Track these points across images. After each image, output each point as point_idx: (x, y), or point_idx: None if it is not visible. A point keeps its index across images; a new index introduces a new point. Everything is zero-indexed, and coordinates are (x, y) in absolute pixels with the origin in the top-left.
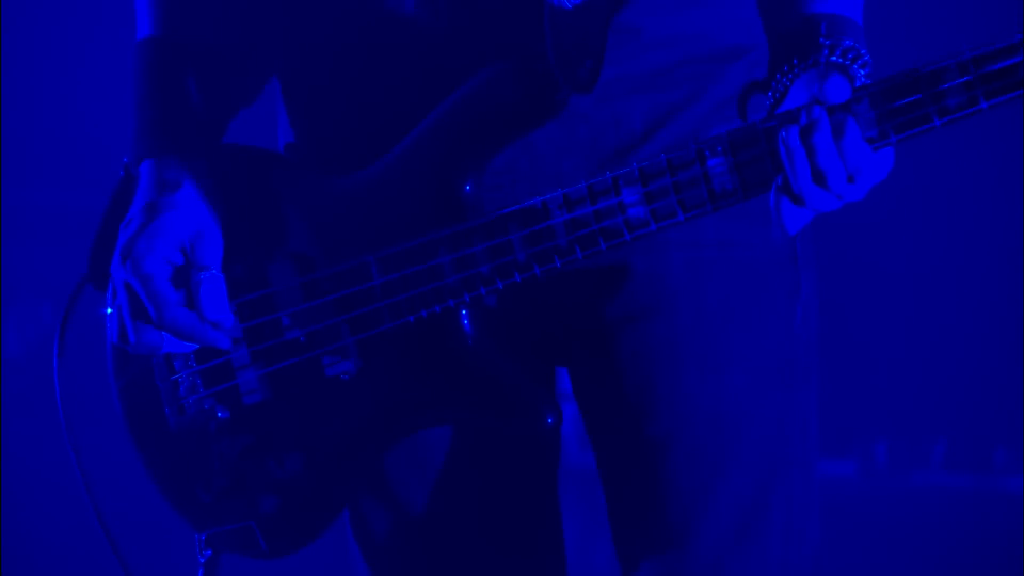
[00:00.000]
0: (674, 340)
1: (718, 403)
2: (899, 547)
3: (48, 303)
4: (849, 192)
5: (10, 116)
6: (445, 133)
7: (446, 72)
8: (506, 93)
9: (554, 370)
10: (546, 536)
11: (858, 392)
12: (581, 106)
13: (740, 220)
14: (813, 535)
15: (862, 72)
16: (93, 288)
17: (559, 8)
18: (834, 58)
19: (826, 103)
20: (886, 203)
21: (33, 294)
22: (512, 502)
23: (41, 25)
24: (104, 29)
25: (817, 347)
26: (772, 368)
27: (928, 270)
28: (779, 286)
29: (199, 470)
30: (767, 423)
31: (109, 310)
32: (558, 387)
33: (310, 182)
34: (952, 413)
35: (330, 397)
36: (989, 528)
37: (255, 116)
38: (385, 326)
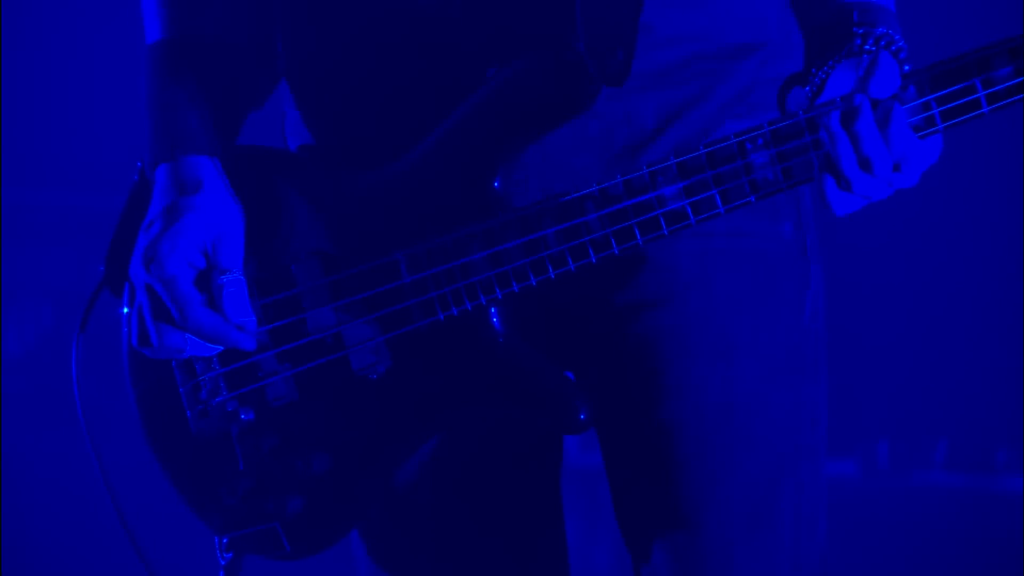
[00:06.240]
0: (684, 328)
1: (727, 391)
2: (900, 547)
3: (48, 304)
4: (897, 179)
5: (11, 116)
6: (475, 127)
7: (464, 64)
8: (537, 85)
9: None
10: (549, 537)
11: (860, 392)
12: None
13: (750, 211)
14: (822, 524)
15: (899, 58)
16: (110, 293)
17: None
18: (867, 46)
19: (867, 91)
20: (886, 202)
21: (33, 295)
22: (515, 502)
23: (42, 25)
24: (105, 29)
25: (826, 341)
26: (781, 358)
27: (930, 270)
28: (789, 277)
29: (223, 473)
30: (777, 412)
31: (126, 310)
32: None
33: (333, 180)
34: (954, 413)
35: (358, 397)
36: (990, 528)
37: (261, 119)
38: (415, 324)
